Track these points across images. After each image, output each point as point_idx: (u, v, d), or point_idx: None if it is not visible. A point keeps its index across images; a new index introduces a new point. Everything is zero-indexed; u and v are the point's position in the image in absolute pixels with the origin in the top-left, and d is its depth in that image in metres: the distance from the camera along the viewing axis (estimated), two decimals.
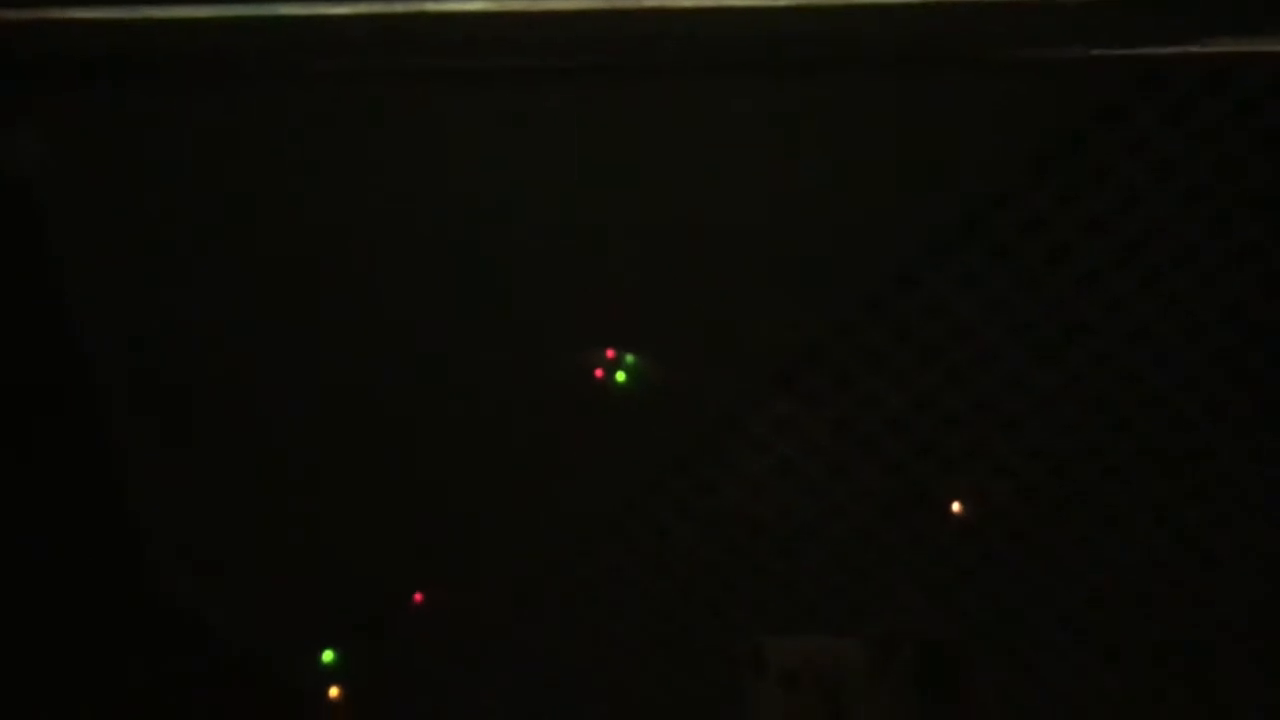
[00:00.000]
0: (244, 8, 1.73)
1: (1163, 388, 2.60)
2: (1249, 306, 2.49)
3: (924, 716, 1.97)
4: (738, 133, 2.55)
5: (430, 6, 1.65)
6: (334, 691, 3.01)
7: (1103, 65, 2.26)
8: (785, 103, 2.56)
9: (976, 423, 2.71)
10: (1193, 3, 1.53)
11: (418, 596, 2.96)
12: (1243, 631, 2.71)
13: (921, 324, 2.68)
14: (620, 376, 2.79)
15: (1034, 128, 2.54)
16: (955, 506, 2.76)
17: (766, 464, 2.77)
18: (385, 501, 2.83)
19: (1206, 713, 2.74)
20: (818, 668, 1.98)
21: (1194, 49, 2.26)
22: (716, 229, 2.63)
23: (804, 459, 2.75)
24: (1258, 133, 2.41)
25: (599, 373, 2.79)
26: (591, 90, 2.51)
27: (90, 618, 2.83)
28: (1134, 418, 2.62)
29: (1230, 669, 2.71)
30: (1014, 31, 1.69)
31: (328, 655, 2.98)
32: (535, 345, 2.71)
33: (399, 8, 1.78)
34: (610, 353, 2.80)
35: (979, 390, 2.69)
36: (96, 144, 2.60)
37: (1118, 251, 2.58)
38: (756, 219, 2.62)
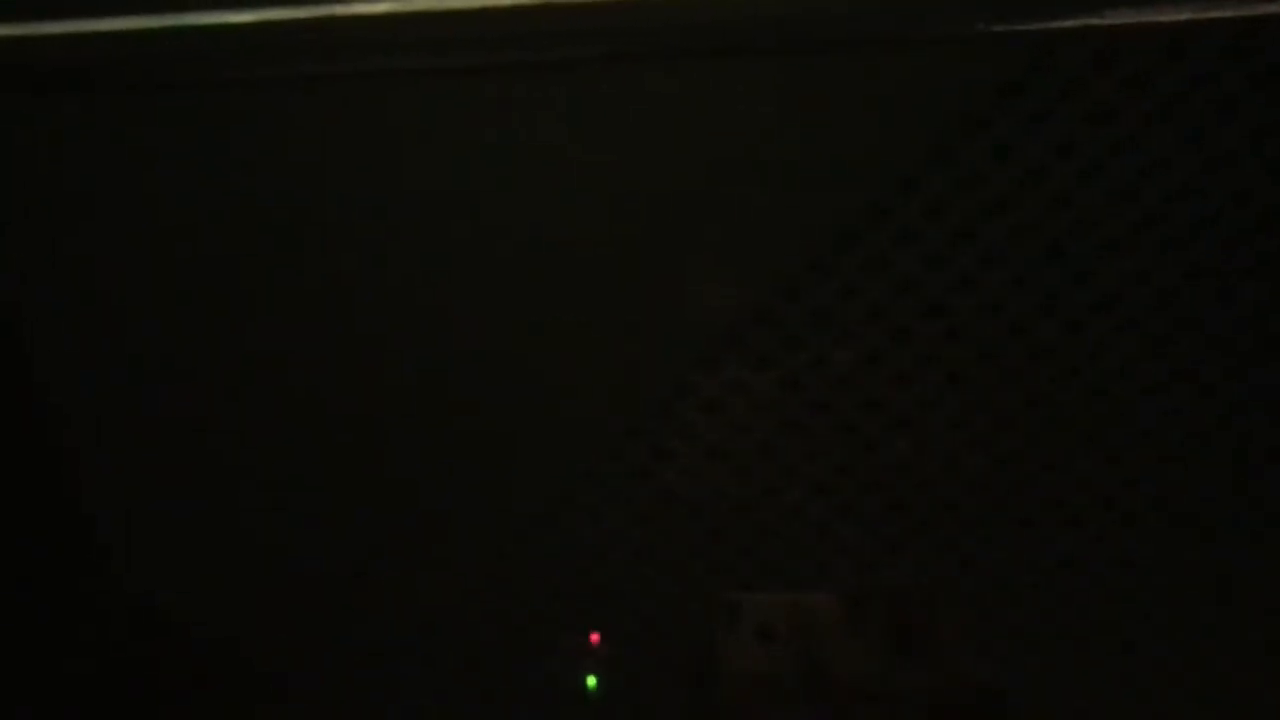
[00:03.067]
0: (197, 16, 1.71)
1: (1107, 335, 2.65)
2: (1158, 274, 2.57)
3: (898, 667, 2.00)
4: (674, 92, 2.56)
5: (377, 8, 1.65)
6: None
7: (998, 41, 2.31)
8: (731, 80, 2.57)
9: (924, 377, 2.76)
10: None
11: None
12: (1207, 570, 2.78)
13: (864, 283, 2.71)
14: None
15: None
16: (908, 459, 2.81)
17: (718, 428, 2.79)
18: (345, 482, 2.82)
19: (1169, 648, 2.82)
20: (793, 622, 2.00)
21: (1092, 21, 2.32)
22: (655, 192, 2.64)
23: (755, 421, 2.78)
24: (1155, 106, 2.47)
25: None
26: (520, 81, 2.52)
27: (50, 606, 2.78)
28: (1081, 368, 2.68)
29: (1189, 608, 2.79)
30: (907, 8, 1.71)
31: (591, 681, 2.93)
32: (476, 315, 2.70)
33: (357, 9, 1.77)
34: None
35: (925, 346, 2.73)
36: (55, 155, 2.56)
37: (1055, 200, 2.63)
38: (696, 182, 2.63)
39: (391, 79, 2.54)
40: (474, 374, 2.76)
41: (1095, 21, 2.39)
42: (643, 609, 2.90)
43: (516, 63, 2.54)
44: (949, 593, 2.67)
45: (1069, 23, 2.37)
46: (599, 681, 2.91)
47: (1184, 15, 2.29)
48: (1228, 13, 2.29)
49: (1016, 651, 2.80)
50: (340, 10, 2.32)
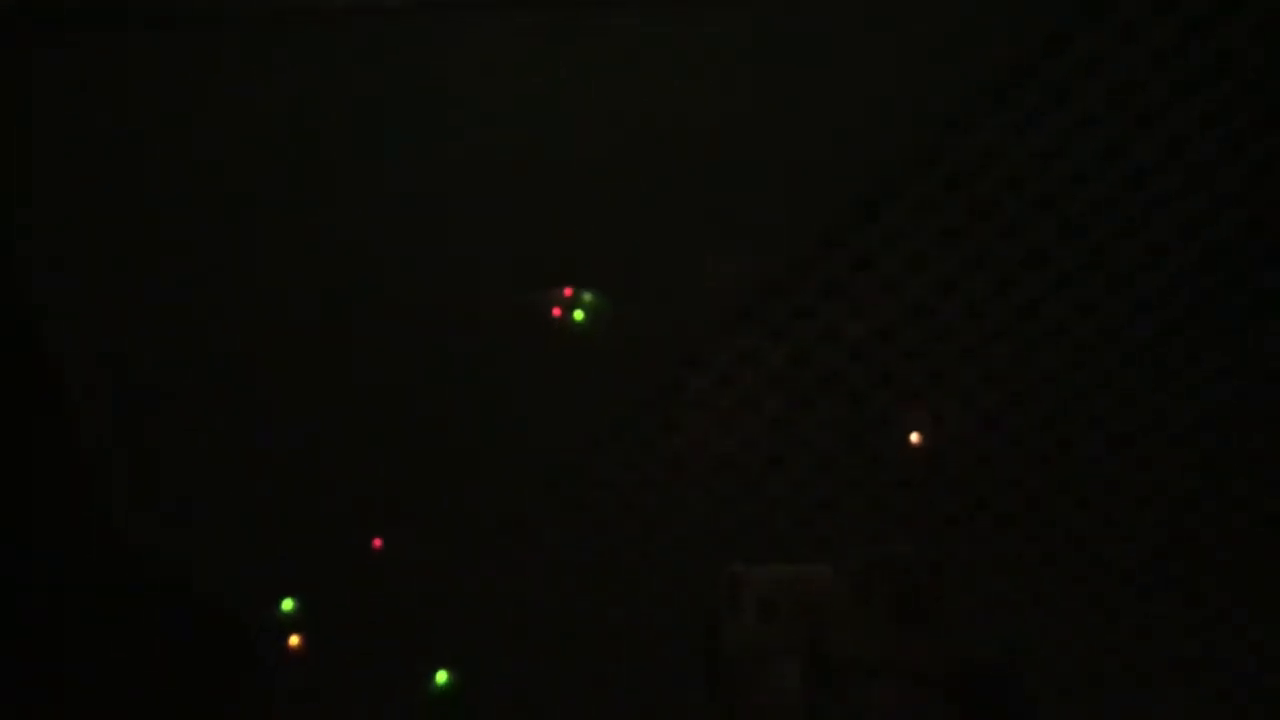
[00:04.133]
0: None
1: (1120, 317, 2.63)
2: (1206, 226, 2.53)
3: (900, 641, 1.98)
4: (696, 68, 2.54)
5: None
6: (294, 640, 2.98)
7: None
8: (740, 36, 2.55)
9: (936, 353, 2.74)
10: None
11: (377, 542, 2.94)
12: (1212, 548, 2.76)
13: (879, 256, 2.69)
14: (578, 315, 2.78)
15: (984, 57, 2.55)
16: (915, 436, 2.79)
17: (729, 398, 2.78)
18: (349, 445, 2.81)
19: (1172, 627, 2.80)
20: (794, 595, 1.99)
21: None
22: (673, 164, 2.62)
23: (766, 392, 2.76)
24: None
25: (557, 311, 2.77)
26: (546, 20, 2.50)
27: (53, 565, 2.78)
28: (1093, 347, 2.65)
29: (1198, 586, 2.77)
30: None
31: (287, 604, 2.94)
32: (494, 284, 2.69)
33: None
34: (568, 291, 2.78)
35: (939, 320, 2.71)
36: (54, 98, 2.55)
37: (1071, 179, 2.60)
38: (713, 154, 2.61)
39: (421, 13, 2.53)
40: (477, 348, 2.75)
41: None
42: (649, 578, 2.89)
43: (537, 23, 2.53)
44: (953, 567, 2.65)
45: None
46: (449, 678, 2.93)
47: None
48: None
49: (1022, 628, 2.78)
50: None
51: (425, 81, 2.57)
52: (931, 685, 1.98)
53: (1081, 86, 2.51)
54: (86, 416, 2.78)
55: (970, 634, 2.06)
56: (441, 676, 2.97)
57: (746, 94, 2.59)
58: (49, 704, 2.82)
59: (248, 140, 2.56)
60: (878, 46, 2.54)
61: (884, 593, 2.00)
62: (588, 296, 2.76)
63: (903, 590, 2.01)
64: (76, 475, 2.79)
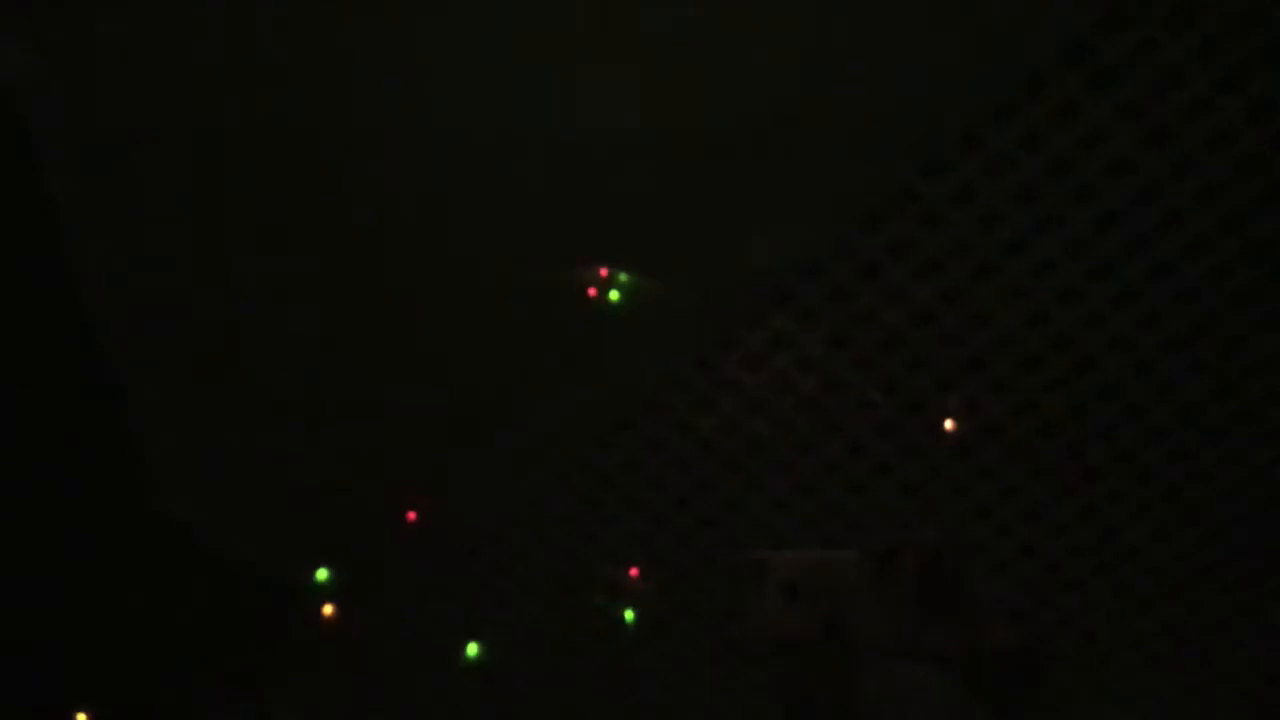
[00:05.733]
0: None
1: (1159, 304, 2.59)
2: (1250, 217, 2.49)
3: (923, 627, 1.98)
4: (735, 41, 2.52)
5: None
6: (327, 609, 3.02)
7: None
8: (776, 7, 2.52)
9: (972, 338, 2.72)
10: None
11: (411, 515, 2.97)
12: (1241, 547, 2.74)
13: (918, 239, 2.66)
14: (614, 295, 2.78)
15: (1030, 40, 2.52)
16: (949, 423, 2.77)
17: (763, 380, 2.77)
18: (383, 417, 2.83)
19: (1196, 622, 2.78)
20: (818, 580, 1.98)
21: None
22: (712, 146, 2.61)
23: (800, 375, 2.75)
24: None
25: (593, 291, 2.77)
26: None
27: (89, 533, 2.83)
28: (1129, 335, 2.62)
29: (1223, 579, 2.75)
30: None
31: (322, 574, 2.98)
32: (533, 258, 2.69)
33: None
34: (604, 271, 2.78)
35: (975, 308, 2.69)
36: (83, 53, 2.56)
37: (1115, 165, 2.56)
38: (755, 134, 2.60)
39: None
40: (513, 323, 2.76)
41: None
42: (677, 557, 2.90)
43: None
44: (980, 554, 2.65)
45: None
46: (635, 616, 2.92)
47: None
48: None
49: (1050, 617, 2.77)
50: None
51: (467, 49, 2.55)
52: (955, 669, 1.97)
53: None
54: (130, 398, 2.82)
55: (994, 619, 2.06)
56: (472, 649, 3.00)
57: (789, 71, 2.57)
58: (93, 682, 2.88)
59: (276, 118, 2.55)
60: (924, 25, 2.52)
61: (908, 577, 2.00)
62: (623, 276, 2.76)
63: (926, 575, 2.00)
64: (118, 455, 2.84)
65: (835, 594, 2.01)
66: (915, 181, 2.59)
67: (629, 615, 2.93)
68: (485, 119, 2.54)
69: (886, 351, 2.72)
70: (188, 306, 2.74)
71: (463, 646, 3.03)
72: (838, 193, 2.64)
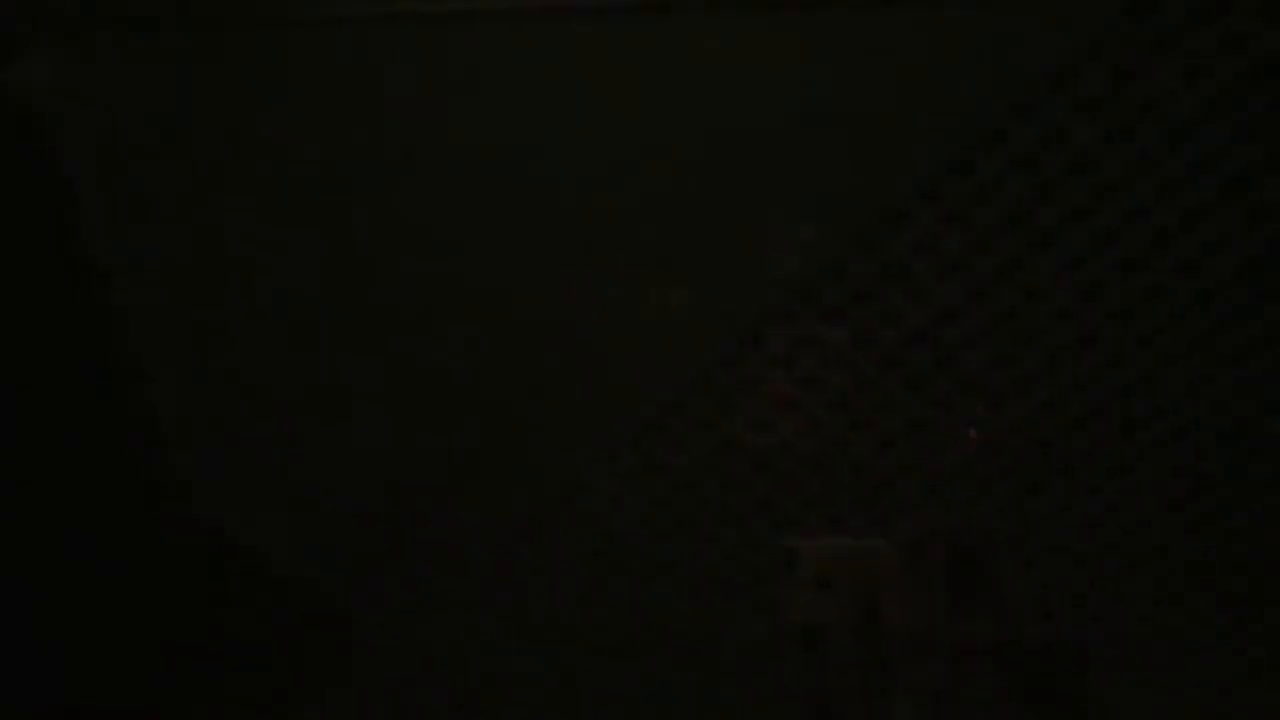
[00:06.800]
0: None
1: (1185, 299, 2.59)
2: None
3: (955, 616, 1.98)
4: (754, 44, 2.54)
5: None
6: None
7: None
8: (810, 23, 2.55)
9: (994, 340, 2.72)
10: None
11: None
12: (1260, 541, 2.72)
13: (941, 238, 2.67)
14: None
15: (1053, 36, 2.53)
16: (974, 426, 2.77)
17: (788, 380, 2.77)
18: (406, 424, 2.84)
19: (1220, 618, 2.76)
20: (851, 569, 1.99)
21: None
22: (734, 145, 2.62)
23: (825, 374, 2.76)
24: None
25: None
26: (597, 26, 2.52)
27: (89, 534, 2.84)
28: (1157, 332, 2.62)
29: (1245, 577, 2.73)
30: None
31: None
32: (556, 264, 2.71)
33: None
34: None
35: (998, 307, 2.69)
36: (112, 75, 2.60)
37: (1136, 161, 2.57)
38: (775, 134, 2.61)
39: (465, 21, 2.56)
40: (539, 323, 2.77)
41: None
42: (707, 553, 2.89)
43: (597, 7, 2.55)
44: (1012, 545, 2.63)
45: None
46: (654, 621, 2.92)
47: None
48: None
49: (1083, 611, 2.75)
50: None
51: (498, 69, 2.60)
52: (986, 659, 1.97)
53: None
54: (170, 409, 2.84)
55: (1028, 612, 2.06)
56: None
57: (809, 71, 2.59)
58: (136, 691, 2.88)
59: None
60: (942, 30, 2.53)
61: (938, 566, 2.00)
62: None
63: (957, 564, 2.00)
64: (158, 467, 2.85)
65: (867, 582, 2.01)
66: (939, 180, 2.61)
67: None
68: (509, 124, 2.58)
69: (910, 350, 2.73)
70: (219, 303, 2.77)
71: (482, 657, 3.03)
72: (859, 192, 2.65)
